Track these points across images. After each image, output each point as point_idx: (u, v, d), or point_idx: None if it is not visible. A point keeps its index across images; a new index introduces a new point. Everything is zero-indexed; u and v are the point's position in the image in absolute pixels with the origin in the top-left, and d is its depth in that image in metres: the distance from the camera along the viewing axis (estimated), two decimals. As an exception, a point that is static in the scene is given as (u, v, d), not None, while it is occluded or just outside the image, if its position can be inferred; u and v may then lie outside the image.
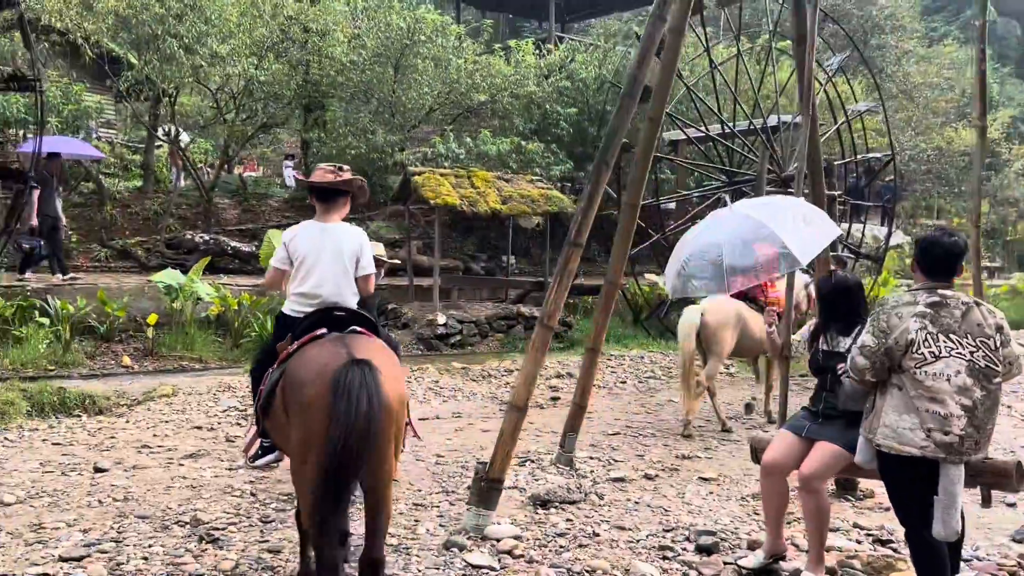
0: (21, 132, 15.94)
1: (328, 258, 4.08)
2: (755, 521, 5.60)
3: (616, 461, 7.21)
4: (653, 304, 15.93)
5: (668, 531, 5.37)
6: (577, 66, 20.18)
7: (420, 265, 16.70)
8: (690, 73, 17.67)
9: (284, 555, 4.73)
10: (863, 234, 18.58)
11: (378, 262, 6.24)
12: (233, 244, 17.52)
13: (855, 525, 5.50)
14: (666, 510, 5.85)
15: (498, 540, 5.03)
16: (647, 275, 16.42)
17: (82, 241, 17.46)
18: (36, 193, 12.94)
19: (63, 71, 17.04)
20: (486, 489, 5.21)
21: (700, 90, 15.88)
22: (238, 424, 8.24)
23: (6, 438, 7.38)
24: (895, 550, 5.03)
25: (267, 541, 4.94)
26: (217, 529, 5.09)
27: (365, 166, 18.52)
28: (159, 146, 22.30)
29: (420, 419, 8.60)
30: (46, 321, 11.25)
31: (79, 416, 8.46)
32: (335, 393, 3.27)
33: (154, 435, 7.72)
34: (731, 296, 8.04)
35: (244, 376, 9.98)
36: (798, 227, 4.74)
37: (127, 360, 11.35)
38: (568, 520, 5.53)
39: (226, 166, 21.29)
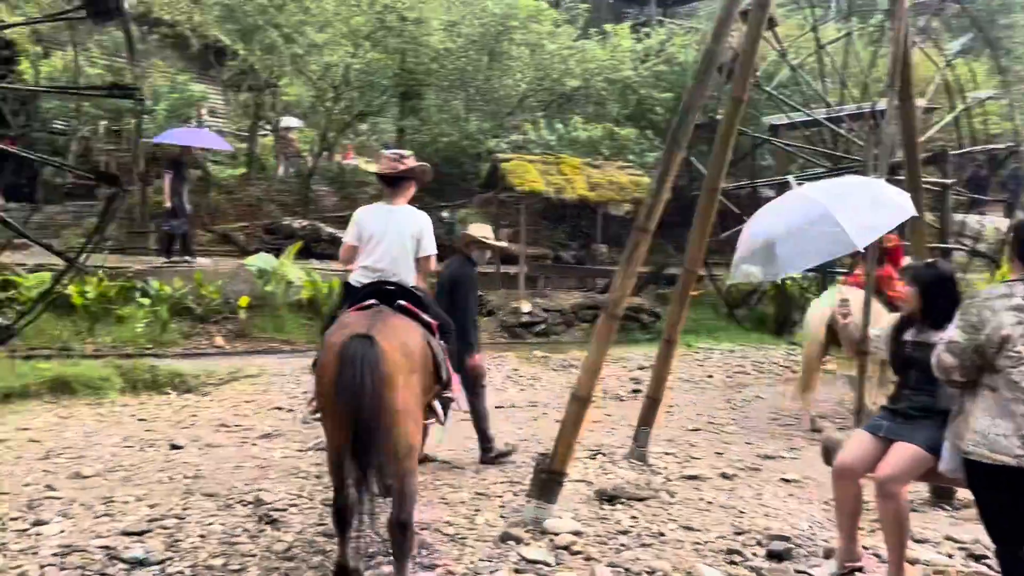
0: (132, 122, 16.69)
1: (391, 237, 4.40)
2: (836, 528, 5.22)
3: (693, 458, 6.90)
4: (743, 295, 15.38)
5: (739, 534, 5.06)
6: (675, 49, 19.61)
7: (508, 253, 16.60)
8: (795, 54, 16.89)
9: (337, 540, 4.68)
10: (982, 226, 17.37)
11: (487, 245, 6.37)
12: (329, 230, 17.85)
13: (947, 537, 5.05)
14: (740, 512, 5.52)
15: (556, 535, 4.84)
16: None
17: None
18: (168, 179, 13.82)
19: (171, 62, 17.75)
20: (546, 481, 5.03)
21: (806, 72, 15.10)
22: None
23: (99, 412, 7.70)
24: (991, 567, 4.58)
25: (324, 524, 4.91)
26: (277, 510, 5.11)
27: (457, 154, 18.59)
28: (264, 135, 23.06)
29: (496, 407, 8.53)
30: (146, 302, 11.73)
31: (168, 393, 8.76)
32: (341, 362, 3.54)
33: (234, 414, 7.90)
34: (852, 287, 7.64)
35: (327, 359, 10.13)
36: (861, 209, 4.36)
37: (220, 340, 11.71)
38: (633, 517, 5.29)
39: (325, 153, 21.73)
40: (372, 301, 4.10)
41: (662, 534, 5.02)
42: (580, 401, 5.07)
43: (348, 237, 4.57)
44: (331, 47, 16.39)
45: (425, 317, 4.23)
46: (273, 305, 12.45)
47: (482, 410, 6.50)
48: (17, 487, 5.30)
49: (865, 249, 4.88)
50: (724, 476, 6.42)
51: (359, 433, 3.49)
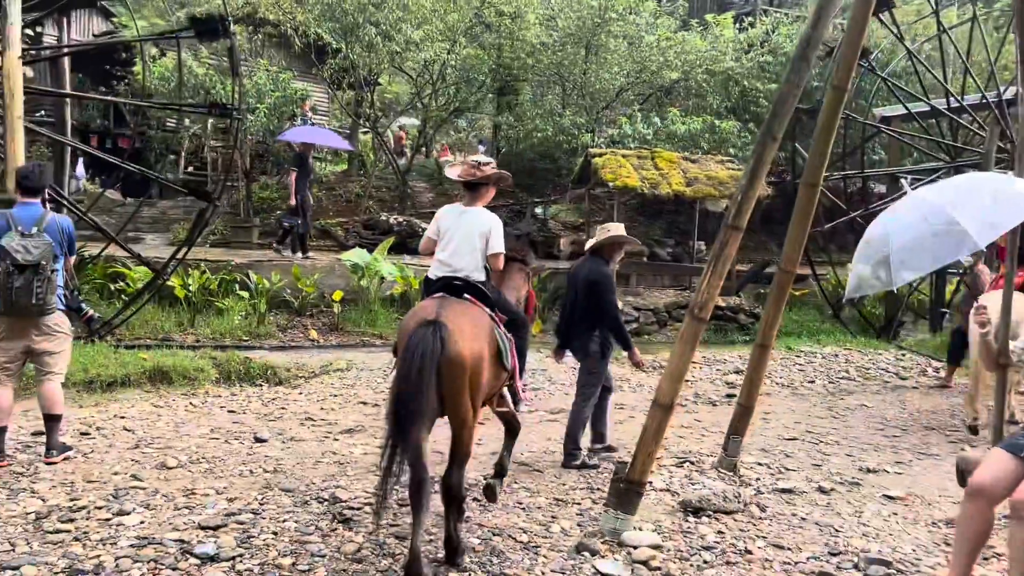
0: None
1: (461, 235, 4.71)
2: (944, 552, 4.77)
3: (787, 470, 6.51)
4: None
5: (834, 555, 4.69)
6: (781, 39, 18.82)
7: (637, 250, 16.34)
8: (914, 39, 15.94)
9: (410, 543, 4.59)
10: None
11: (620, 242, 6.47)
12: (424, 226, 17.98)
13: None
14: (836, 530, 5.13)
15: (635, 548, 4.60)
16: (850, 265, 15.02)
17: (290, 221, 18.64)
18: (293, 176, 14.35)
19: (274, 60, 18.25)
20: (624, 491, 4.79)
21: (925, 59, 14.17)
22: (401, 402, 8.32)
23: (191, 403, 7.90)
24: None
25: (397, 526, 4.83)
26: (352, 508, 5.05)
27: (551, 149, 18.40)
28: (365, 132, 23.51)
29: (552, 413, 8.31)
30: (245, 295, 12.06)
31: (260, 386, 8.93)
32: (406, 348, 3.97)
33: (320, 407, 7.96)
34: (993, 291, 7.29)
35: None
36: (982, 206, 3.96)
37: (314, 334, 11.91)
38: (719, 532, 5.00)
39: (423, 150, 21.96)
40: (440, 293, 4.52)
41: (749, 552, 4.71)
42: (663, 409, 4.80)
43: (429, 231, 4.95)
44: (428, 44, 16.45)
45: (487, 310, 4.55)
46: (366, 300, 12.58)
47: (583, 415, 6.36)
48: (107, 475, 5.44)
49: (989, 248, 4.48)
50: (821, 490, 6.01)
51: (401, 407, 3.93)
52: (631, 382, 9.65)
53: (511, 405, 4.98)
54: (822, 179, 5.70)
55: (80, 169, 21.72)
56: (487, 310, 4.53)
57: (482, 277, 4.67)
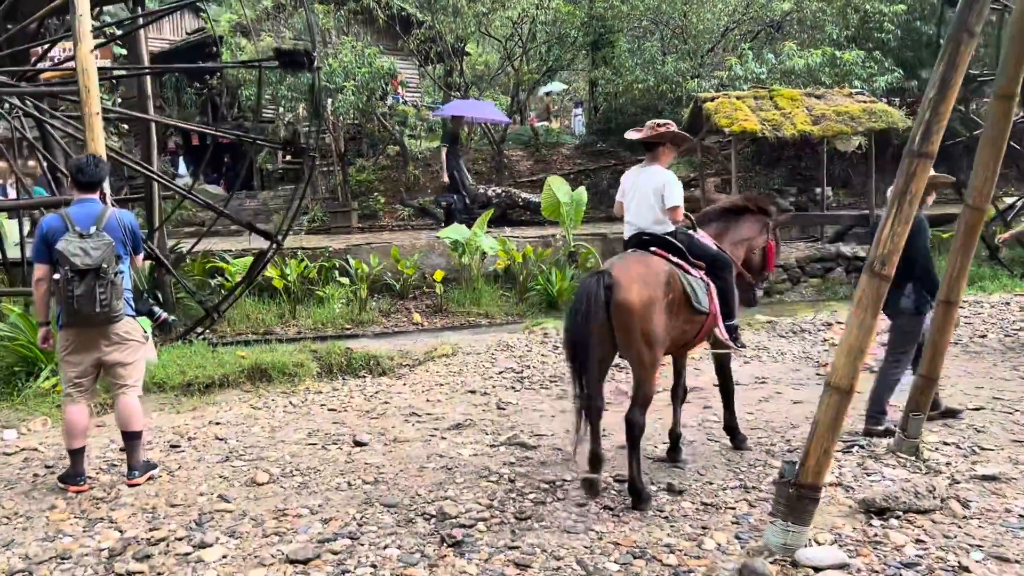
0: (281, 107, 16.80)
1: (639, 195, 5.00)
2: None
3: (983, 449, 5.35)
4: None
5: (1083, 570, 3.60)
6: (905, -46, 16.86)
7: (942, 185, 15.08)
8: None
9: (533, 571, 3.78)
10: None
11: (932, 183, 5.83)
12: (524, 196, 17.18)
13: None
14: (1074, 531, 4.02)
15: (817, 570, 3.66)
16: (1006, 199, 13.27)
17: (388, 202, 18.22)
18: (444, 152, 14.03)
19: (359, 37, 17.69)
20: (796, 498, 3.82)
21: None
22: (512, 388, 7.54)
23: (291, 402, 7.35)
24: None
25: (517, 547, 4.03)
26: (463, 526, 4.29)
27: (654, 100, 17.17)
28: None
29: (715, 384, 7.33)
30: (346, 281, 11.56)
31: (363, 377, 8.34)
32: (574, 298, 4.52)
33: (427, 399, 7.27)
34: None
35: (524, 333, 9.35)
36: None
37: (417, 317, 11.31)
38: (918, 541, 3.97)
39: (516, 117, 21.08)
40: (632, 250, 4.92)
41: (966, 569, 3.68)
42: (840, 393, 3.79)
43: (618, 195, 5.26)
44: (515, 1, 15.49)
45: (673, 259, 4.74)
46: (468, 278, 11.88)
47: (892, 378, 5.72)
48: (192, 497, 4.87)
49: None
50: (1034, 475, 4.86)
51: (585, 347, 4.36)
52: (769, 349, 8.54)
53: (730, 343, 5.05)
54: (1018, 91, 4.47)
55: (182, 167, 21.99)
56: (671, 258, 4.73)
57: (665, 229, 4.91)
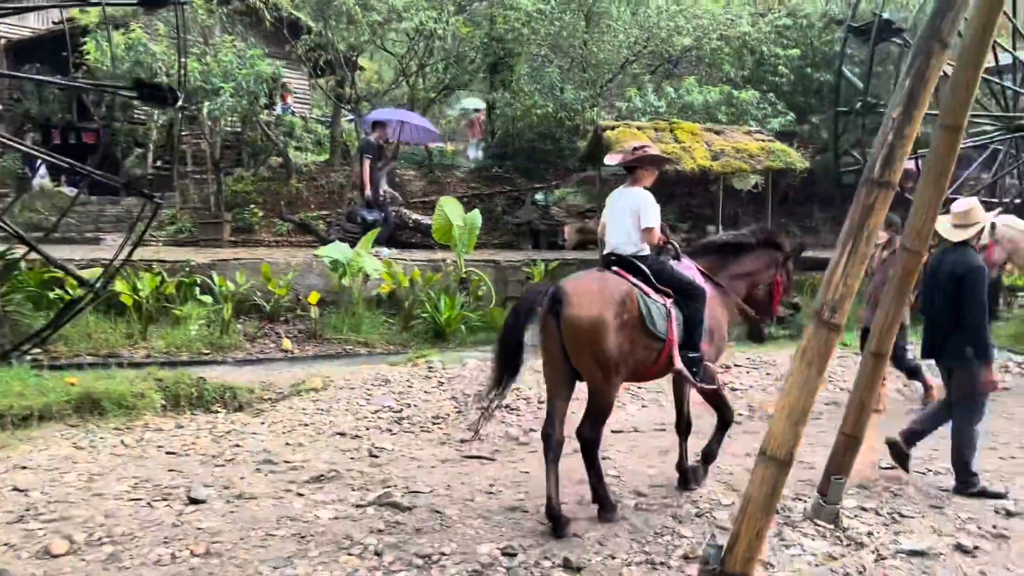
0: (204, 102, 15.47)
1: (617, 215, 4.97)
2: None
3: (903, 516, 4.88)
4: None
5: None
6: (800, 1, 17.15)
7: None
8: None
9: None
10: None
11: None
12: (415, 217, 16.32)
13: None
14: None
15: None
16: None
17: (267, 215, 16.99)
18: (367, 164, 12.86)
19: (243, 38, 16.48)
20: (721, 591, 3.15)
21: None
22: (388, 431, 6.66)
23: (123, 441, 6.22)
24: None
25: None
26: (312, 620, 3.40)
27: (552, 128, 16.73)
28: (351, 120, 21.83)
29: (613, 431, 6.70)
30: (208, 299, 10.37)
31: (216, 412, 7.28)
32: (519, 298, 4.94)
33: (286, 443, 6.30)
34: None
35: (406, 366, 8.49)
36: None
37: (287, 343, 10.24)
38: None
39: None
40: (595, 268, 4.94)
41: None
42: (777, 465, 3.16)
43: (602, 215, 5.20)
44: (413, 12, 14.75)
45: (631, 279, 4.69)
46: (349, 302, 10.90)
47: (968, 434, 5.28)
48: (-41, 573, 3.78)
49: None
50: (961, 550, 4.39)
51: (514, 351, 4.52)
52: (669, 394, 7.94)
53: (686, 374, 4.80)
54: (963, 122, 4.01)
55: (42, 168, 19.97)
56: (631, 279, 4.68)
57: (633, 251, 4.86)
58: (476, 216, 11.58)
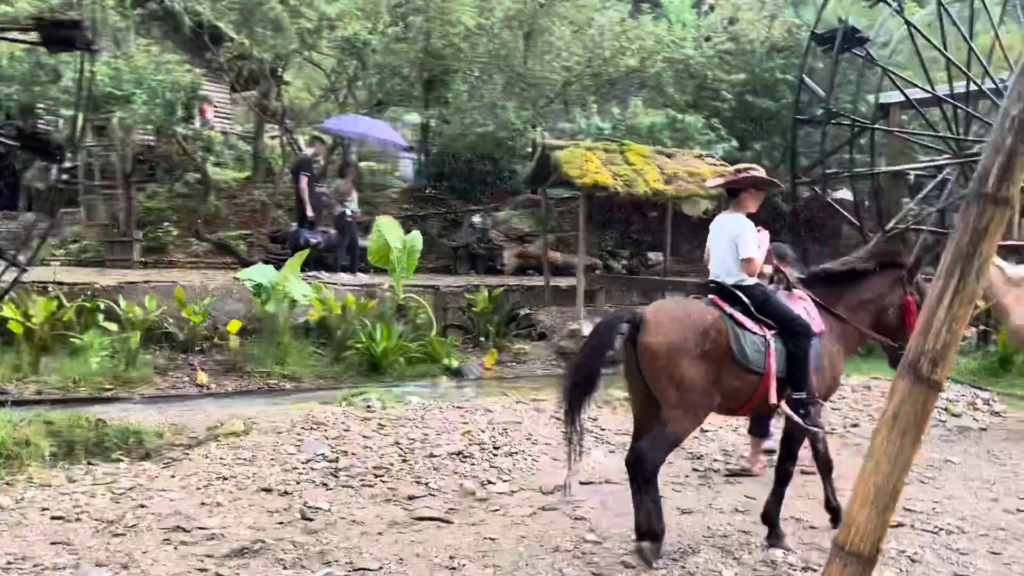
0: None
1: (718, 243, 4.83)
2: None
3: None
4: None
5: None
6: (743, 26, 16.97)
7: (554, 263, 14.07)
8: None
9: None
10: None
11: None
12: (346, 238, 15.36)
13: None
14: None
15: None
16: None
17: (182, 235, 15.74)
18: (304, 182, 11.81)
19: (161, 45, 15.30)
20: None
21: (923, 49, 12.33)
22: (323, 485, 5.73)
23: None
24: None
25: None
26: None
27: (491, 148, 16.04)
28: (274, 137, 20.73)
29: (581, 483, 5.93)
30: (113, 327, 9.22)
31: (118, 462, 6.20)
32: (593, 329, 4.73)
33: (202, 502, 5.31)
34: None
35: (340, 405, 7.55)
36: None
37: (203, 377, 9.17)
38: None
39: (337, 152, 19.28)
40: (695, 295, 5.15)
41: None
42: (861, 564, 2.44)
43: (708, 241, 5.00)
44: (346, 21, 13.89)
45: (726, 308, 4.55)
46: (273, 330, 9.89)
47: None
48: None
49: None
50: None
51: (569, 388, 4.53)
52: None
53: (792, 416, 4.55)
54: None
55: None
56: (726, 308, 4.54)
57: (734, 281, 4.67)
58: (416, 238, 10.75)
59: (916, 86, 11.80)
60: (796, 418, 4.52)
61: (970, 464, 6.68)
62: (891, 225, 12.21)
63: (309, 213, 12.07)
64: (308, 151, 12.62)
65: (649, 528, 4.42)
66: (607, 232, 17.97)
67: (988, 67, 11.50)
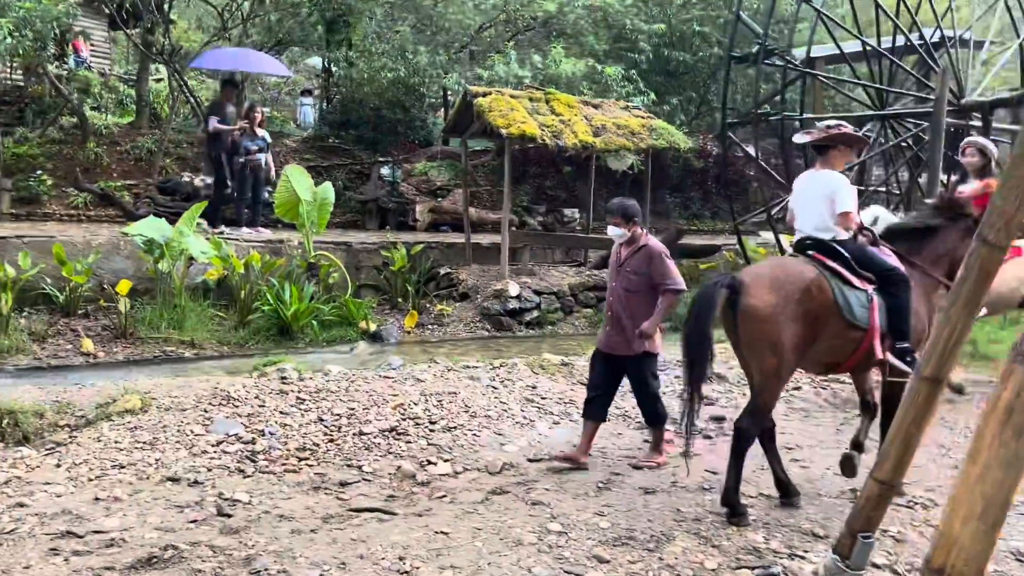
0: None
1: (807, 200, 4.83)
2: None
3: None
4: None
5: None
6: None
7: (469, 219, 13.44)
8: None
9: None
10: None
11: None
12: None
13: None
14: None
15: None
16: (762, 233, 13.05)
17: (58, 184, 14.23)
18: (214, 124, 10.52)
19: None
20: None
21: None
22: (240, 471, 5.01)
23: None
24: None
25: None
26: None
27: (402, 95, 15.13)
28: (159, 79, 19.10)
29: (529, 459, 5.43)
30: (-21, 288, 8.07)
31: (-12, 448, 5.27)
32: (696, 295, 4.52)
33: (96, 497, 4.52)
34: None
35: (252, 376, 6.77)
36: None
37: (89, 345, 8.16)
38: None
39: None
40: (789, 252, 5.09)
41: None
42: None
43: (790, 201, 5.11)
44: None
45: (832, 265, 4.50)
46: (168, 291, 8.91)
47: None
48: None
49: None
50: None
51: (702, 352, 4.35)
52: (578, 404, 6.73)
53: (902, 367, 4.38)
54: None
55: None
56: (830, 264, 4.50)
57: (830, 235, 4.67)
58: (328, 190, 9.91)
59: (850, 33, 11.56)
60: (905, 367, 4.36)
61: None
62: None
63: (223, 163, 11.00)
64: (222, 95, 11.53)
65: (783, 481, 4.67)
66: (521, 187, 17.43)
67: (917, 19, 11.42)
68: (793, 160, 12.55)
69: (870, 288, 4.52)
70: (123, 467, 4.97)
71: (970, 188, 6.93)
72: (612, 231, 5.32)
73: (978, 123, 10.93)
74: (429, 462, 5.28)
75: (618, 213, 5.23)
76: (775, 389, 4.46)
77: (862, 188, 12.15)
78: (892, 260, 4.70)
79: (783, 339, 4.24)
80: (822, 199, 4.70)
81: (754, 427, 4.43)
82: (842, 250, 4.58)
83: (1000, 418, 2.00)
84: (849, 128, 4.85)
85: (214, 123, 10.83)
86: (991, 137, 11.14)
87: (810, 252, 4.65)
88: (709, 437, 6.15)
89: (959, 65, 11.29)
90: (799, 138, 5.25)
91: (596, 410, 5.41)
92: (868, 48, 11.20)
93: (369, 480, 4.97)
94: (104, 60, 20.22)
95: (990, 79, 12.22)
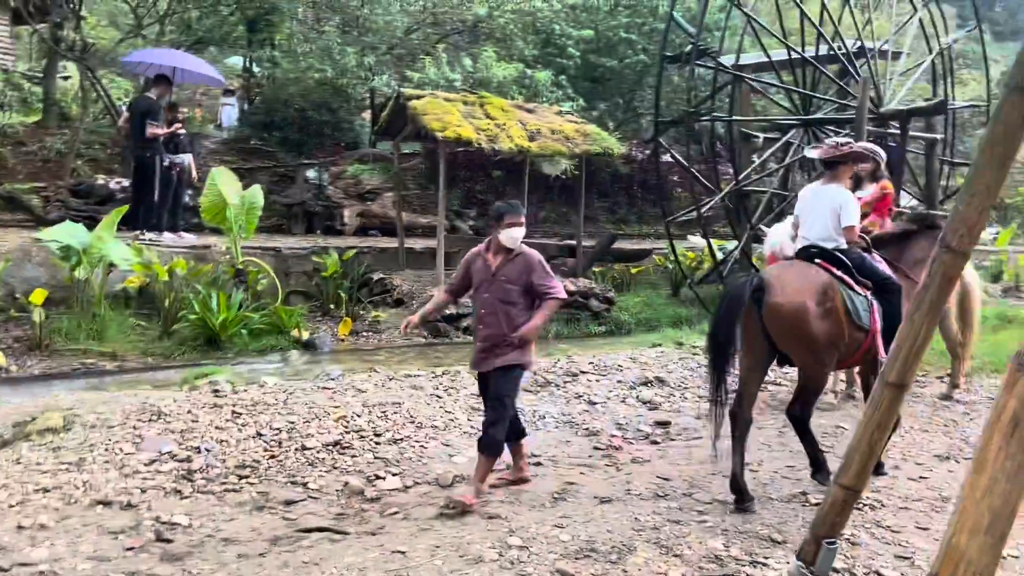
0: None
1: (815, 211, 5.24)
2: None
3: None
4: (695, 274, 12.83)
5: None
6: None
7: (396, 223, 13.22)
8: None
9: None
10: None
11: None
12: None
13: None
14: None
15: None
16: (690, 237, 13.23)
17: (-43, 187, 13.39)
18: (151, 129, 9.89)
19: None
20: None
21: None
22: (176, 492, 4.72)
23: None
24: None
25: None
26: None
27: (329, 96, 14.80)
28: (66, 77, 18.24)
29: (495, 486, 5.27)
30: None
31: None
32: (721, 297, 5.17)
33: (19, 525, 4.19)
34: None
35: (183, 390, 6.44)
36: None
37: (1, 359, 7.63)
38: None
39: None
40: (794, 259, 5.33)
41: None
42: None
43: (795, 211, 5.56)
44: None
45: (837, 272, 4.90)
46: (87, 300, 8.44)
47: None
48: None
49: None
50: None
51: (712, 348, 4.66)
52: (527, 412, 6.61)
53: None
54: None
55: None
56: (835, 271, 4.88)
57: (834, 246, 5.08)
58: (257, 193, 9.57)
59: (778, 40, 11.84)
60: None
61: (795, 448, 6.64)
62: (735, 184, 12.32)
63: (166, 162, 10.49)
64: (153, 92, 10.98)
65: (816, 458, 5.03)
66: (451, 191, 17.28)
67: (839, 29, 11.79)
68: (719, 163, 12.76)
69: (868, 293, 4.95)
70: (47, 491, 4.62)
71: (868, 193, 7.18)
72: (516, 233, 4.64)
73: (895, 130, 11.33)
74: (377, 477, 5.10)
75: (521, 213, 4.69)
76: (820, 378, 4.93)
77: (785, 193, 12.46)
78: (887, 269, 5.19)
79: (811, 330, 4.63)
80: (829, 211, 5.11)
81: (805, 412, 4.92)
82: (845, 259, 5.00)
83: (1005, 430, 1.98)
84: (856, 145, 5.35)
85: (152, 128, 10.35)
86: (907, 144, 11.60)
87: (816, 260, 5.03)
88: (656, 443, 6.16)
89: (878, 75, 11.70)
90: (811, 153, 5.66)
91: (510, 430, 4.84)
92: (794, 55, 11.49)
93: (316, 498, 4.76)
94: (7, 56, 19.19)
95: (905, 91, 12.72)
